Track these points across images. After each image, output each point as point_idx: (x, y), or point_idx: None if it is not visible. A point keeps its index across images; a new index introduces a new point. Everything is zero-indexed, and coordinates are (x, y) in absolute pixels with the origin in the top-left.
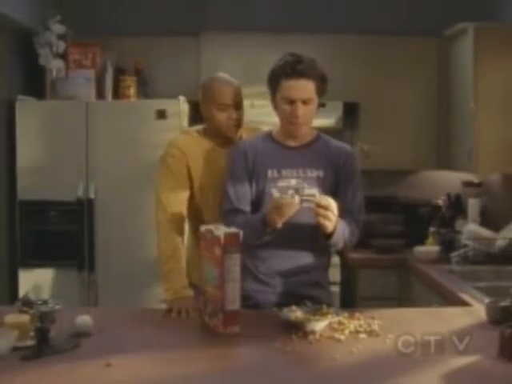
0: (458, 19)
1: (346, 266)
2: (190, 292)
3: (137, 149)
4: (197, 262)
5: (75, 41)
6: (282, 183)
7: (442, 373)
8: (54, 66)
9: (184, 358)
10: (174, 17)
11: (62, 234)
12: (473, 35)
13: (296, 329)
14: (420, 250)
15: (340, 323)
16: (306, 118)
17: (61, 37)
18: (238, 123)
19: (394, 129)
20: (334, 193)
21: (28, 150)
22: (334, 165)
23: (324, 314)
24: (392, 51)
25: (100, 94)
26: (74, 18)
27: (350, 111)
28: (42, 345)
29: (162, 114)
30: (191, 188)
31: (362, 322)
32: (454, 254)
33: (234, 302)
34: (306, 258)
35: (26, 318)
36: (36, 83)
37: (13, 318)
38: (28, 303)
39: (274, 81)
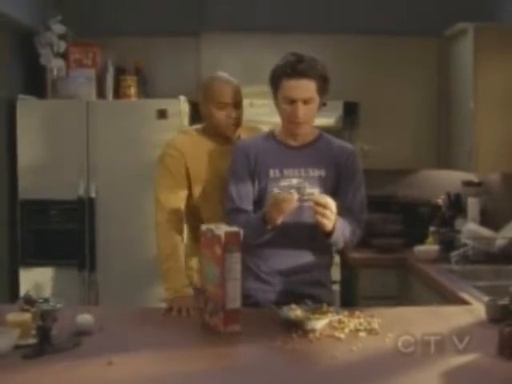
0: (458, 19)
1: (346, 266)
2: (190, 291)
3: (137, 148)
4: (193, 261)
5: (76, 40)
6: (283, 183)
7: (442, 371)
8: (55, 65)
9: (184, 357)
10: (175, 17)
11: (63, 233)
12: (472, 35)
13: (296, 327)
14: (420, 249)
15: (340, 322)
16: (306, 117)
17: (61, 36)
18: (237, 122)
19: (393, 128)
20: (335, 192)
21: (29, 149)
22: (336, 163)
23: (324, 313)
24: (392, 51)
25: (101, 94)
26: (74, 17)
27: (350, 111)
28: (44, 343)
29: (162, 114)
30: (189, 188)
31: (361, 320)
32: (454, 254)
33: (234, 301)
34: (307, 257)
35: (27, 316)
36: (37, 82)
37: (14, 316)
38: (30, 302)
39: (276, 80)
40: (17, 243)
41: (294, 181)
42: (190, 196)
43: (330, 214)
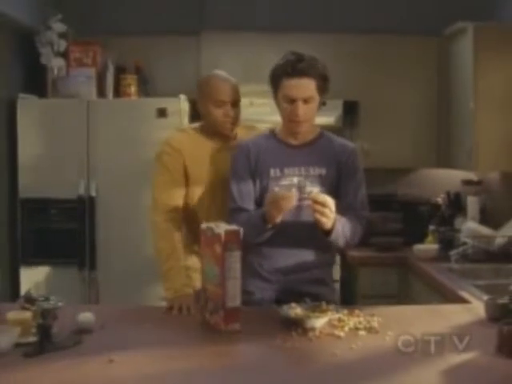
0: (458, 19)
1: (345, 264)
2: (191, 290)
3: (138, 147)
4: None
5: (76, 39)
6: (284, 181)
7: (441, 369)
8: (55, 64)
9: (185, 355)
10: (175, 16)
11: (63, 231)
12: (472, 34)
13: (296, 326)
14: (419, 247)
15: (340, 320)
16: (306, 116)
17: (62, 35)
18: (235, 121)
19: (393, 127)
20: (336, 190)
21: (29, 148)
22: (337, 161)
23: (323, 311)
24: (392, 50)
25: (101, 93)
26: (74, 16)
27: (350, 109)
28: (45, 341)
29: (162, 113)
30: (187, 185)
31: (361, 318)
32: (454, 252)
33: (234, 299)
34: (308, 256)
35: (28, 314)
36: (37, 82)
37: (15, 314)
38: (30, 300)
39: (276, 80)
40: (17, 242)
41: (295, 179)
42: (186, 195)
43: (328, 212)
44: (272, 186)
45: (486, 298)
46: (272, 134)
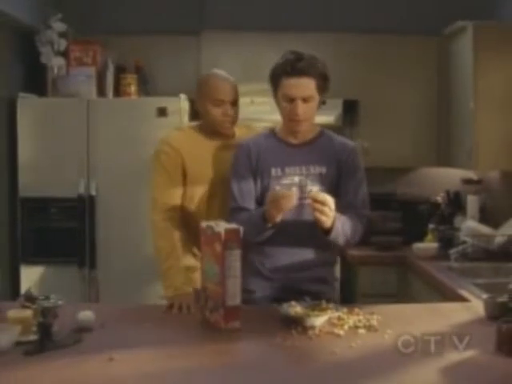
0: (458, 18)
1: (345, 263)
2: (190, 288)
3: (138, 146)
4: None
5: (76, 39)
6: (285, 180)
7: (441, 367)
8: (55, 63)
9: (185, 353)
10: (175, 15)
11: (63, 230)
12: (472, 34)
13: (296, 324)
14: (419, 246)
15: (339, 318)
16: (306, 115)
17: (62, 35)
18: (233, 120)
19: (393, 127)
20: (336, 189)
21: (29, 147)
22: (337, 160)
23: (323, 310)
24: (392, 50)
25: (101, 92)
26: (74, 16)
27: (350, 108)
28: (45, 340)
29: (162, 112)
30: (184, 184)
31: (361, 317)
32: (453, 251)
33: (234, 298)
34: (308, 255)
35: (28, 313)
36: (37, 81)
37: (15, 313)
38: (30, 299)
39: (275, 79)
40: (17, 241)
41: (296, 178)
42: (184, 194)
43: (328, 210)
44: (273, 185)
45: (485, 296)
46: (272, 133)
